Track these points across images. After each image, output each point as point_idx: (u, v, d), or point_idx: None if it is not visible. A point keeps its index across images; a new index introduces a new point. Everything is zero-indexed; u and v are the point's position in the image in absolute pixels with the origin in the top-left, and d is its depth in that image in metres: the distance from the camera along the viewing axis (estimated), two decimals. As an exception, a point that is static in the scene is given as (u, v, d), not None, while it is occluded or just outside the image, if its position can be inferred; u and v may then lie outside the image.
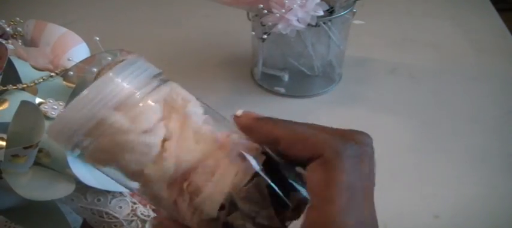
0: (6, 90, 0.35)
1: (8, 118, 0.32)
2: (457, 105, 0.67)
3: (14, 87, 0.35)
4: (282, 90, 0.68)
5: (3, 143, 0.31)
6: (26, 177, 0.34)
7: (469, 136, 0.61)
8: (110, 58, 0.37)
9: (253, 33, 0.65)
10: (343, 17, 0.59)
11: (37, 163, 0.35)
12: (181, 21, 0.87)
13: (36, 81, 0.37)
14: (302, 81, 0.68)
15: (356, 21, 0.64)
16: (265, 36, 0.57)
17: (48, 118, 0.36)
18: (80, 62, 0.40)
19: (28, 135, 0.32)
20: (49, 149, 0.35)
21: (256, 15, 0.60)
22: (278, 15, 0.52)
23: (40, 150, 0.34)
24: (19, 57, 0.39)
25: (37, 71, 0.38)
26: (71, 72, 0.39)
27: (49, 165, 0.36)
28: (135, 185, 0.24)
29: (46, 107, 0.36)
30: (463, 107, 0.67)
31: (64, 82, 0.39)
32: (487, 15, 0.89)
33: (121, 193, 0.40)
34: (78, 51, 0.42)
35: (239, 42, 0.79)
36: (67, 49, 0.42)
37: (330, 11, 0.57)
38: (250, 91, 0.70)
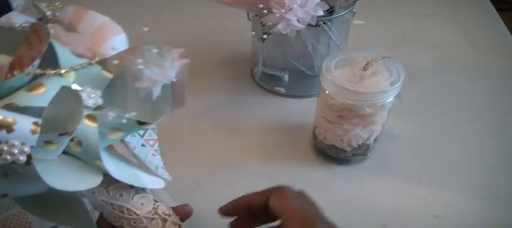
0: (45, 74, 0.33)
1: (44, 103, 0.31)
2: (457, 105, 0.67)
3: (53, 71, 0.34)
4: (282, 90, 0.69)
5: (38, 128, 0.29)
6: (54, 165, 0.33)
7: (468, 136, 0.62)
8: (155, 50, 0.36)
9: (253, 33, 0.65)
10: (343, 17, 0.60)
11: (65, 152, 0.34)
12: (182, 21, 0.87)
13: (75, 68, 0.35)
14: (302, 81, 0.68)
15: (356, 21, 0.64)
16: (265, 36, 0.57)
17: (85, 106, 0.35)
18: (123, 51, 0.38)
19: (64, 121, 0.31)
20: (81, 138, 0.33)
21: (256, 15, 0.60)
22: (278, 15, 0.52)
23: (72, 139, 0.33)
24: (59, 42, 0.37)
25: (76, 58, 0.37)
26: (115, 61, 0.37)
27: (78, 154, 0.34)
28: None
29: (83, 94, 0.35)
30: (462, 107, 0.67)
31: (103, 71, 0.37)
32: (487, 15, 0.89)
33: (144, 189, 0.39)
34: (118, 41, 0.41)
35: (239, 42, 0.79)
36: (107, 38, 0.40)
37: (330, 11, 0.57)
38: (250, 91, 0.70)
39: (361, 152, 0.56)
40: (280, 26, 0.53)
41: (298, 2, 0.52)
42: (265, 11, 0.53)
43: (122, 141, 0.39)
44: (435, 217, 0.51)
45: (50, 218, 0.37)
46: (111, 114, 0.34)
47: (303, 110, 0.65)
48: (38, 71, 0.33)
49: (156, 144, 0.42)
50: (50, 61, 0.34)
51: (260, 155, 0.59)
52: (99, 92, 0.36)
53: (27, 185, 0.34)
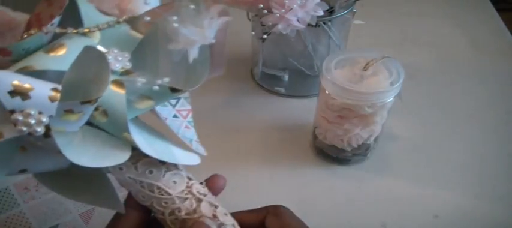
0: (65, 33, 0.29)
1: (65, 66, 0.27)
2: (457, 105, 0.67)
3: (75, 30, 0.30)
4: (282, 90, 0.69)
5: (58, 95, 0.25)
6: (76, 138, 0.29)
7: (468, 136, 0.62)
8: (192, 6, 0.31)
9: (253, 33, 0.65)
10: (343, 17, 0.60)
11: (88, 123, 0.30)
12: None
13: (100, 27, 0.31)
14: (302, 81, 0.68)
15: (356, 21, 0.64)
16: (265, 36, 0.57)
17: (111, 71, 0.30)
18: (156, 7, 0.33)
19: (87, 87, 0.27)
20: (107, 107, 0.29)
21: (256, 15, 0.60)
22: (278, 15, 0.52)
23: (96, 108, 0.29)
24: None
25: (101, 15, 0.32)
26: (146, 19, 0.32)
27: (103, 126, 0.30)
28: None
29: (109, 57, 0.30)
30: (462, 107, 0.67)
31: (132, 30, 0.33)
32: (487, 15, 0.89)
33: (176, 166, 0.34)
34: None
35: (239, 42, 0.79)
36: None
37: (330, 11, 0.57)
38: (250, 91, 0.70)
39: (361, 152, 0.56)
40: (280, 26, 0.53)
41: (298, 2, 0.52)
42: (265, 11, 0.53)
43: (152, 111, 0.34)
44: (435, 217, 0.51)
45: (72, 196, 0.34)
46: (141, 80, 0.30)
47: (303, 110, 0.65)
48: (58, 30, 0.29)
49: (190, 114, 0.38)
50: (72, 19, 0.31)
51: (260, 155, 0.59)
52: (127, 55, 0.31)
53: (47, 159, 0.30)
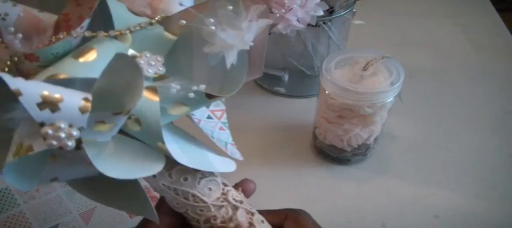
0: (95, 36, 0.28)
1: (95, 73, 0.25)
2: (457, 105, 0.67)
3: (105, 34, 0.28)
4: (282, 90, 0.69)
5: (89, 105, 0.23)
6: (108, 149, 0.27)
7: (468, 136, 0.62)
8: (230, 7, 0.29)
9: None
10: (343, 17, 0.60)
11: (121, 131, 0.28)
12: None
13: (131, 29, 0.29)
14: (302, 81, 0.68)
15: (356, 21, 0.64)
16: (265, 36, 0.57)
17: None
18: (191, 7, 0.30)
19: (119, 97, 0.25)
20: (140, 115, 0.27)
21: (256, 15, 0.60)
22: (278, 15, 0.52)
23: (129, 116, 0.27)
24: None
25: (133, 15, 0.30)
26: (181, 21, 0.29)
27: (136, 135, 0.29)
28: None
29: (142, 62, 0.28)
30: (462, 106, 0.67)
31: (165, 32, 0.30)
32: (487, 15, 0.89)
33: (212, 173, 0.33)
34: None
35: (239, 42, 0.79)
36: None
37: (330, 11, 0.58)
38: (250, 91, 0.70)
39: (361, 152, 0.56)
40: (280, 26, 0.53)
41: (298, 2, 0.52)
42: (265, 11, 0.53)
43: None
44: (435, 217, 0.51)
45: (106, 202, 0.32)
46: (175, 87, 0.28)
47: (303, 110, 0.65)
48: (87, 33, 0.27)
49: (224, 115, 0.37)
50: (102, 20, 0.29)
51: (260, 155, 0.59)
52: (160, 58, 0.29)
53: (78, 169, 0.29)
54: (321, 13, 0.53)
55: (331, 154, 0.57)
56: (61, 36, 0.27)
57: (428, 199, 0.53)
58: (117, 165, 0.27)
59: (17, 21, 0.28)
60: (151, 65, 0.29)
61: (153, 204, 0.31)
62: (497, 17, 0.88)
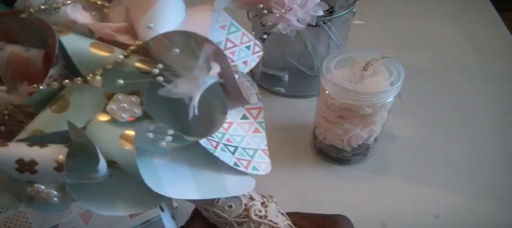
0: (62, 88, 0.26)
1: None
2: (457, 105, 0.67)
3: (71, 83, 0.26)
4: (282, 90, 0.69)
5: (63, 164, 0.24)
6: (107, 188, 0.27)
7: (468, 136, 0.62)
8: (177, 51, 0.25)
9: (253, 33, 0.65)
10: (343, 17, 0.60)
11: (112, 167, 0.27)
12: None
13: (97, 73, 0.26)
14: (302, 81, 0.68)
15: (356, 21, 0.64)
16: (265, 36, 0.56)
17: (117, 122, 0.26)
18: (155, 38, 0.26)
19: (94, 148, 0.25)
20: (121, 162, 0.26)
21: (256, 15, 0.60)
22: (278, 15, 0.52)
23: (112, 162, 0.26)
24: (79, 30, 0.27)
25: (99, 55, 0.26)
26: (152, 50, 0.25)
27: (128, 176, 0.27)
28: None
29: (113, 107, 0.26)
30: (462, 107, 0.67)
31: (139, 64, 0.26)
32: (487, 15, 0.89)
33: None
34: (158, 10, 0.27)
35: (239, 42, 0.79)
36: (147, 6, 0.27)
37: (330, 11, 0.58)
38: (250, 91, 0.70)
39: (361, 152, 0.56)
40: (280, 26, 0.53)
41: (298, 2, 0.52)
42: (265, 11, 0.53)
43: None
44: (435, 217, 0.51)
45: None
46: (151, 130, 0.26)
47: (303, 110, 0.65)
48: (54, 85, 0.26)
49: (261, 113, 0.35)
50: (69, 66, 0.27)
51: (260, 155, 0.59)
52: (135, 99, 0.26)
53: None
54: (321, 13, 0.53)
55: (331, 154, 0.57)
56: (34, 89, 0.26)
57: (428, 199, 0.53)
58: (116, 202, 0.27)
59: (5, 65, 0.27)
60: (125, 109, 0.26)
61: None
62: (497, 17, 0.88)
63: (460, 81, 0.72)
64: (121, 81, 0.25)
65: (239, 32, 0.33)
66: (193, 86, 0.24)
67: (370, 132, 0.53)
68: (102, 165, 0.25)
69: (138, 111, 0.26)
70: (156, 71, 0.25)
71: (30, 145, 0.25)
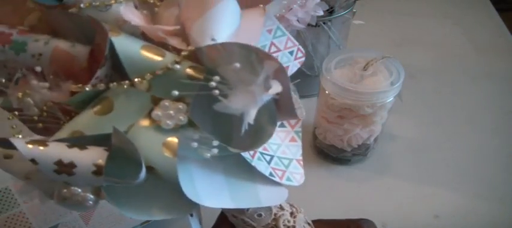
0: (108, 89, 0.25)
1: (112, 128, 0.24)
2: (457, 105, 0.67)
3: (119, 86, 0.25)
4: (282, 90, 0.68)
5: (102, 169, 0.24)
6: (142, 192, 0.27)
7: (469, 136, 0.61)
8: (240, 58, 0.24)
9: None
10: (343, 17, 0.60)
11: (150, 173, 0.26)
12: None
13: (146, 77, 0.25)
14: (302, 81, 0.68)
15: (356, 21, 0.64)
16: (265, 36, 0.57)
17: (160, 129, 0.25)
18: (214, 46, 0.25)
19: (135, 154, 0.24)
20: (161, 170, 0.26)
21: (256, 15, 0.60)
22: (278, 15, 0.52)
23: (149, 169, 0.26)
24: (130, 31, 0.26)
25: (148, 60, 0.25)
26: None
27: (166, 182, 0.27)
28: None
29: (159, 113, 0.25)
30: (463, 107, 0.67)
31: (189, 70, 0.25)
32: (487, 15, 0.89)
33: None
34: (216, 15, 0.26)
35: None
36: (203, 10, 0.25)
37: (330, 11, 0.58)
38: (250, 91, 0.70)
39: (361, 152, 0.56)
40: (280, 26, 0.53)
41: (298, 2, 0.52)
42: (265, 11, 0.53)
43: None
44: (435, 217, 0.51)
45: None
46: (194, 142, 0.25)
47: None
48: (100, 87, 0.25)
49: (299, 123, 0.33)
50: (118, 68, 0.26)
51: (260, 155, 0.59)
52: (182, 106, 0.25)
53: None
54: (321, 13, 0.53)
55: (331, 154, 0.57)
56: (79, 89, 0.25)
57: (428, 199, 0.53)
58: (151, 207, 0.27)
59: (49, 60, 0.27)
60: (171, 115, 0.25)
61: None
62: (497, 17, 0.88)
63: (460, 81, 0.72)
64: (175, 92, 0.25)
65: (284, 37, 0.32)
66: (250, 102, 0.24)
67: (370, 132, 0.53)
68: (144, 172, 0.24)
69: (183, 119, 0.25)
70: (213, 83, 0.24)
71: (70, 146, 0.24)
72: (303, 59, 0.33)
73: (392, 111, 0.53)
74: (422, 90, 0.69)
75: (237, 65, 0.23)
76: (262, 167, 0.31)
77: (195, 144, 0.25)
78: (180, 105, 0.25)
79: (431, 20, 0.87)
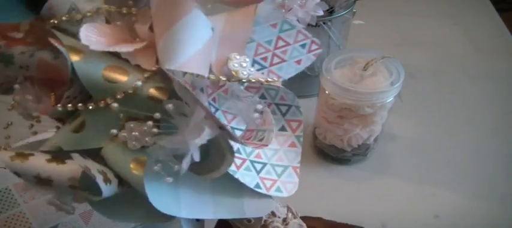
0: (76, 110, 0.27)
1: (84, 145, 0.26)
2: (457, 105, 0.67)
3: (84, 107, 0.26)
4: (282, 90, 0.68)
5: (76, 183, 0.26)
6: (125, 201, 0.28)
7: (468, 136, 0.61)
8: (171, 106, 0.24)
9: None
10: (343, 17, 0.59)
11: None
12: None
13: (108, 101, 0.25)
14: (302, 81, 0.68)
15: (356, 21, 0.64)
16: (265, 36, 0.57)
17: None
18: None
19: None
20: (132, 184, 0.27)
21: (256, 15, 0.60)
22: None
23: (122, 182, 0.28)
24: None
25: (110, 83, 0.26)
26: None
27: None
28: None
29: (124, 135, 0.26)
30: (462, 106, 0.67)
31: (152, 91, 0.26)
32: (487, 15, 0.89)
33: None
34: (181, 27, 0.25)
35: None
36: (171, 21, 0.25)
37: (330, 11, 0.57)
38: (250, 91, 0.70)
39: (361, 152, 0.56)
40: (280, 26, 0.53)
41: (298, 2, 0.52)
42: (265, 11, 0.53)
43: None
44: (435, 217, 0.51)
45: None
46: (160, 161, 0.25)
47: (303, 110, 0.65)
48: (69, 108, 0.26)
49: (301, 127, 0.33)
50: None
51: (260, 155, 0.59)
52: (146, 127, 0.25)
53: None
54: (321, 13, 0.53)
55: (331, 154, 0.57)
56: (52, 106, 0.27)
57: (428, 199, 0.53)
58: (134, 212, 0.29)
59: (35, 70, 0.28)
60: (137, 137, 0.25)
61: None
62: (497, 17, 0.88)
63: (460, 81, 0.72)
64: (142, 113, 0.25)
65: (293, 30, 0.33)
66: (184, 145, 0.24)
67: (370, 132, 0.53)
68: (107, 189, 0.25)
69: (149, 141, 0.25)
70: (158, 115, 0.24)
71: (49, 161, 0.26)
72: (319, 51, 0.33)
73: (392, 111, 0.53)
74: (422, 90, 0.69)
75: (171, 106, 0.24)
76: (247, 178, 0.30)
77: (157, 168, 0.25)
78: (146, 127, 0.25)
79: (431, 20, 0.87)
